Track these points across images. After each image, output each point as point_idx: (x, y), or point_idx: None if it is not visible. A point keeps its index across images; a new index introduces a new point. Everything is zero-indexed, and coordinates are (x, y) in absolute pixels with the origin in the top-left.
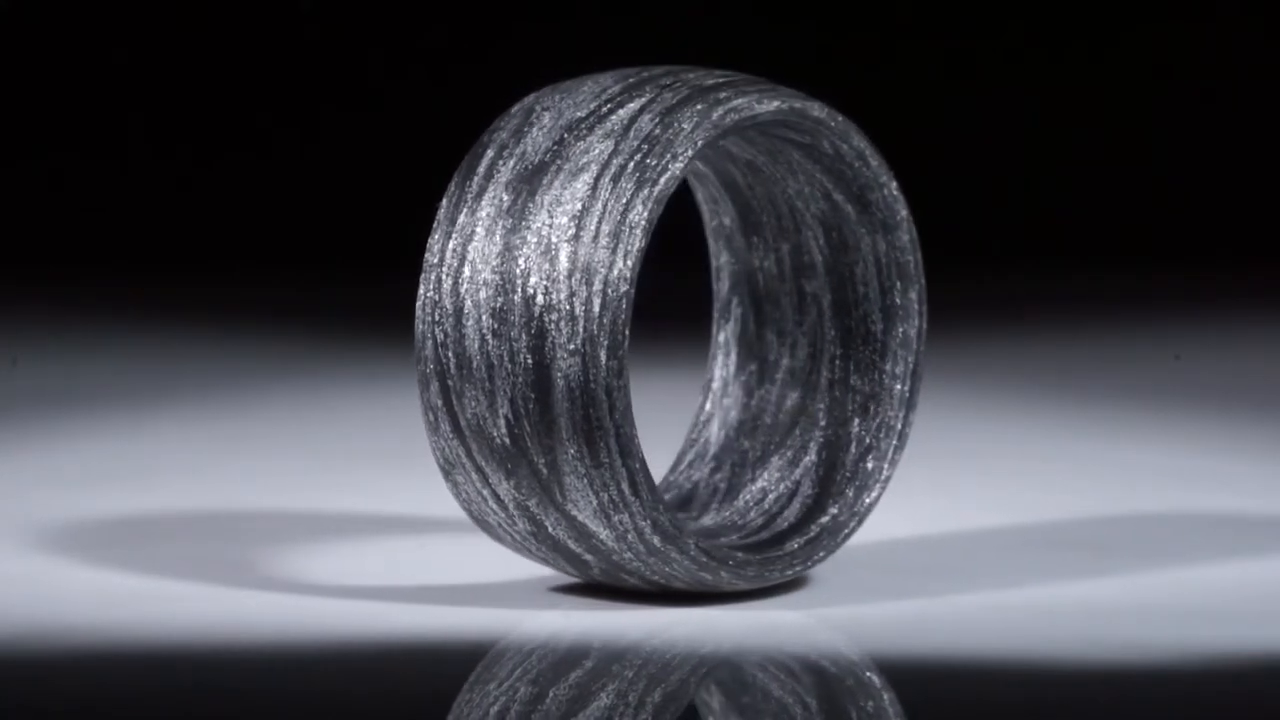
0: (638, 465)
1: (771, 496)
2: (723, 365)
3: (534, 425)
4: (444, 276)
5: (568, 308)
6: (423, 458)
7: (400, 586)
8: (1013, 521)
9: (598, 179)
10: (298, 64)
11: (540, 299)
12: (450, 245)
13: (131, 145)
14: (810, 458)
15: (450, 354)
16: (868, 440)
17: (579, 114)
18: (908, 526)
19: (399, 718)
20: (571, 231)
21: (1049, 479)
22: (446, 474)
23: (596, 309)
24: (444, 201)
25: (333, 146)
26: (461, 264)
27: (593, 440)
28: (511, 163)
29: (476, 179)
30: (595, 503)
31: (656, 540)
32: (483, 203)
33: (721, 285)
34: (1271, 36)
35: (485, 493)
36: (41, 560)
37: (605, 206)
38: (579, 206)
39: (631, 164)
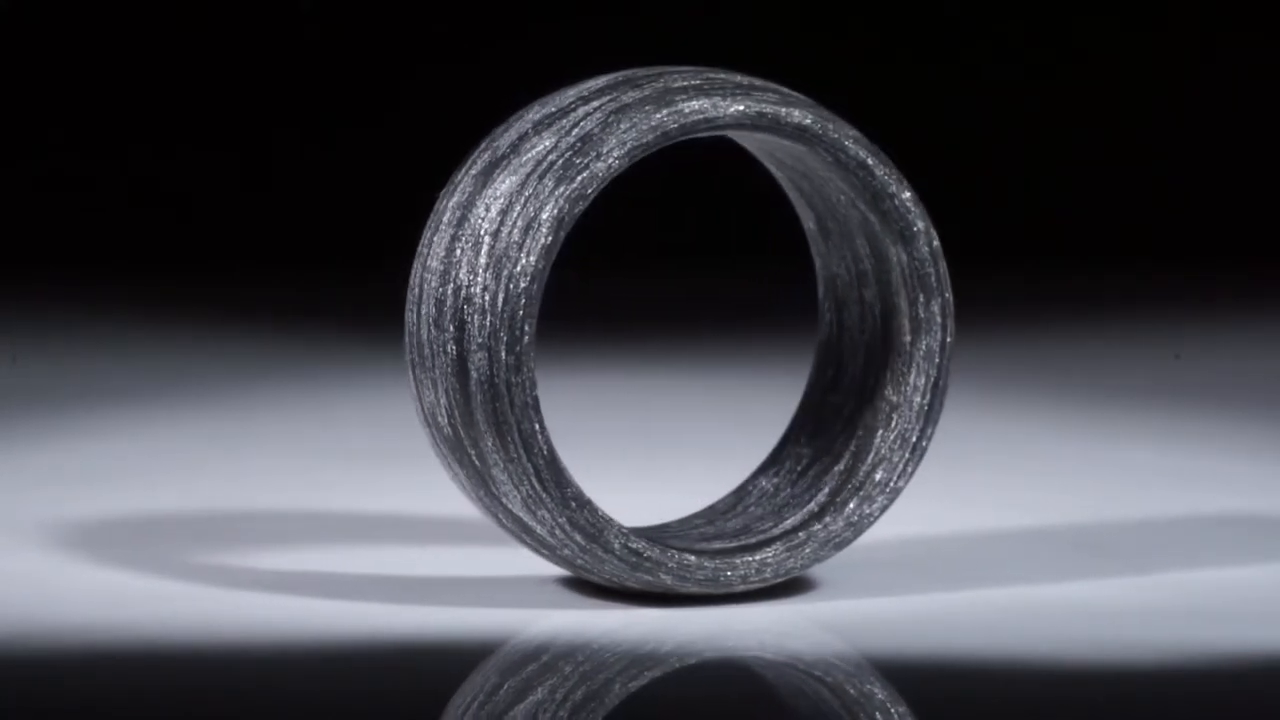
0: (542, 462)
1: (793, 502)
2: (816, 370)
3: (461, 415)
4: (417, 265)
5: (480, 300)
6: (425, 457)
7: (402, 587)
8: (1012, 521)
9: (529, 174)
10: (298, 63)
11: (463, 290)
12: (426, 234)
13: (132, 144)
14: (840, 466)
15: (414, 341)
16: (883, 451)
17: (551, 110)
18: (907, 525)
19: (398, 718)
20: (496, 225)
21: (1049, 479)
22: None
23: (501, 303)
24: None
25: (333, 145)
26: (428, 252)
27: (502, 434)
28: (486, 155)
29: (462, 170)
30: (519, 497)
31: (579, 538)
32: (455, 193)
33: (819, 289)
34: (1272, 35)
35: (457, 482)
36: (41, 560)
37: (526, 202)
38: (508, 201)
39: (561, 161)
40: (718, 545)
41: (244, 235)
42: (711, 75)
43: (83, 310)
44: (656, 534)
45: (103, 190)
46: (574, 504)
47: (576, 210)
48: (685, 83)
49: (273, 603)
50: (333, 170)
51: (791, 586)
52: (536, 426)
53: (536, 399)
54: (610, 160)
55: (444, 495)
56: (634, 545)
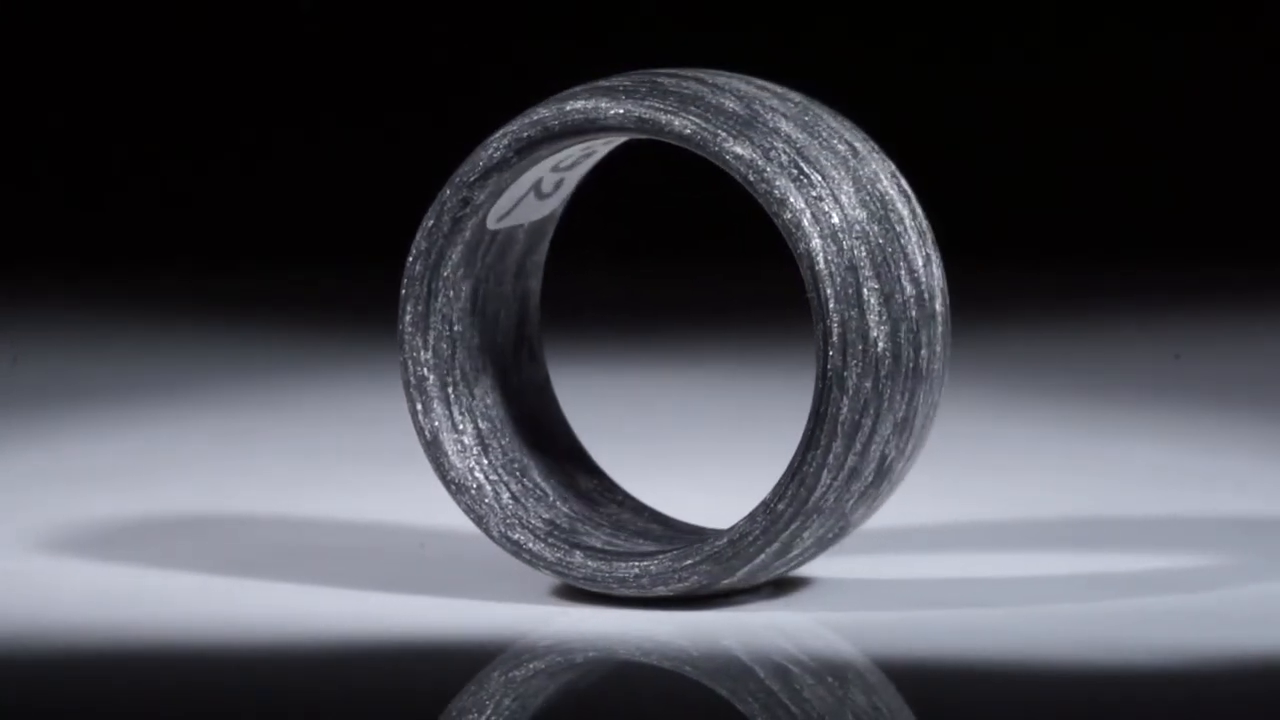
0: (424, 444)
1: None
2: None
3: None
4: None
5: None
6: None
7: (404, 587)
8: (1011, 520)
9: None
10: (302, 60)
11: None
12: None
13: (135, 141)
14: None
15: None
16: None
17: None
18: (902, 522)
19: (398, 718)
20: None
21: (1048, 477)
22: None
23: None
24: None
25: (334, 142)
26: None
27: None
28: None
29: None
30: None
31: (470, 522)
32: None
33: None
34: (1273, 33)
35: None
36: (42, 560)
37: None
38: None
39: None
40: (651, 548)
41: (246, 234)
42: (663, 78)
43: (82, 310)
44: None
45: (108, 186)
46: (454, 488)
47: (461, 196)
48: (616, 83)
49: (272, 603)
50: (342, 166)
51: (802, 586)
52: (419, 406)
53: (420, 378)
54: (491, 150)
55: (447, 495)
56: (514, 536)
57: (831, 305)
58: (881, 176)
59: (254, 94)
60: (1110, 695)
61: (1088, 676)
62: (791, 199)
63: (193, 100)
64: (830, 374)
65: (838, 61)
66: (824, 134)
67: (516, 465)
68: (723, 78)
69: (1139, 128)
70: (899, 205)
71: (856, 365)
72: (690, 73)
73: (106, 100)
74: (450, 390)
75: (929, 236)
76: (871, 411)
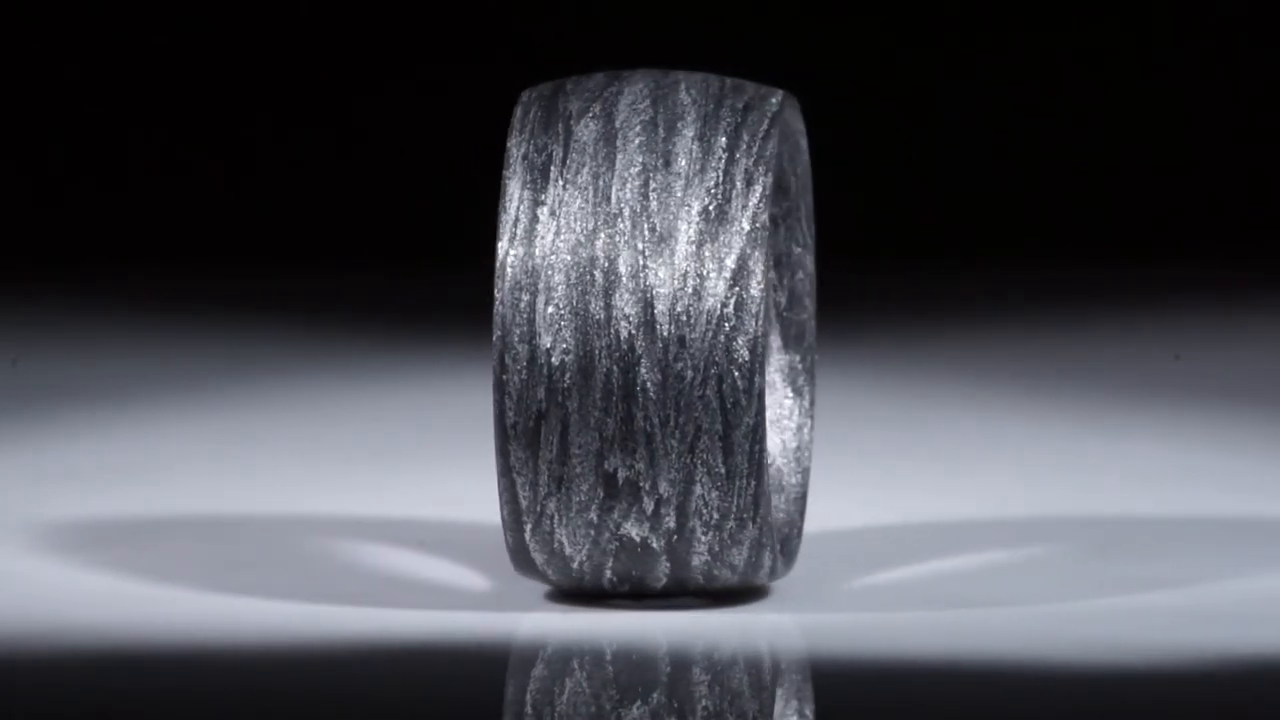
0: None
1: None
2: None
3: None
4: None
5: None
6: (430, 457)
7: (404, 588)
8: (1007, 519)
9: None
10: (300, 60)
11: None
12: None
13: (156, 137)
14: None
15: None
16: None
17: None
18: (899, 521)
19: (396, 717)
20: None
21: (1044, 477)
22: None
23: None
24: None
25: (336, 143)
26: None
27: None
28: None
29: None
30: None
31: None
32: None
33: None
34: (1274, 30)
35: None
36: (40, 561)
37: None
38: None
39: None
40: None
41: (247, 234)
42: (600, 75)
43: (81, 310)
44: None
45: (123, 184)
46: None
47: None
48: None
49: (272, 604)
50: (340, 167)
51: (800, 587)
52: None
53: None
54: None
55: (447, 495)
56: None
57: (496, 307)
58: (685, 201)
59: (255, 93)
60: (1109, 695)
61: (1087, 676)
62: (506, 198)
63: (193, 99)
64: (493, 375)
65: (821, 54)
66: (633, 148)
67: None
68: (639, 80)
69: (1141, 127)
70: (685, 231)
71: (520, 371)
72: (634, 74)
73: (106, 100)
74: None
75: (739, 270)
76: (555, 422)
